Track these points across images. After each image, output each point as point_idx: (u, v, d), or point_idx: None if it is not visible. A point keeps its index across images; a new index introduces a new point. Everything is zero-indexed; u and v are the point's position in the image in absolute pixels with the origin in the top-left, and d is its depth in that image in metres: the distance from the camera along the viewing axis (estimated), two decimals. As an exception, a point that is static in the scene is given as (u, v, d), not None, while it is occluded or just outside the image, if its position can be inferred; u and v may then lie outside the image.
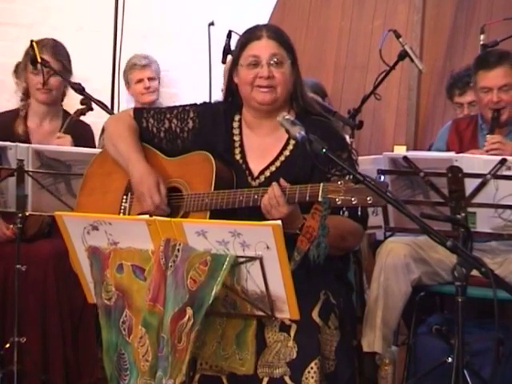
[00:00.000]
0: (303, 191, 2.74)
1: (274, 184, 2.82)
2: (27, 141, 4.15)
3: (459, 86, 4.86)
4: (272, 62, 3.03)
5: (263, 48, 3.05)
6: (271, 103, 3.05)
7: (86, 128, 4.48)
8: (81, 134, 4.33)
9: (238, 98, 3.17)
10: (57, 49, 4.32)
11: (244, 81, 3.09)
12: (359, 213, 2.70)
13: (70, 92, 4.39)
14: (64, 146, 4.06)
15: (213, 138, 3.17)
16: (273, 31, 3.09)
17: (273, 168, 3.10)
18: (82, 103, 4.27)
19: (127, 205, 3.17)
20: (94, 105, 4.30)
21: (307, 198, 2.71)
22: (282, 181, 2.83)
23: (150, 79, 5.62)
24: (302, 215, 2.76)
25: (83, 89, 4.23)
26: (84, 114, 4.33)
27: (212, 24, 3.63)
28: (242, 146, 3.17)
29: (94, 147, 4.52)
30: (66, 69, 4.31)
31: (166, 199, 3.04)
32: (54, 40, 4.36)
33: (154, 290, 2.54)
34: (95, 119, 5.12)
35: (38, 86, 4.24)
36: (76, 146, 4.11)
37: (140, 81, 5.61)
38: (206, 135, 3.18)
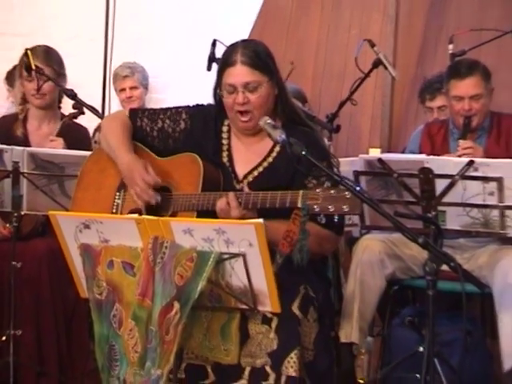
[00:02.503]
0: (284, 197, 2.75)
1: (231, 193, 2.85)
2: (26, 143, 4.15)
3: (430, 92, 4.89)
4: (247, 88, 3.02)
5: (237, 76, 3.02)
6: (252, 128, 3.07)
7: (81, 130, 4.47)
8: (76, 136, 4.32)
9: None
10: (49, 55, 4.31)
11: (226, 105, 3.10)
12: (336, 219, 2.71)
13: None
14: (56, 148, 4.06)
15: (203, 140, 3.16)
16: (247, 55, 3.03)
17: (256, 173, 3.10)
18: (73, 107, 4.27)
19: (120, 201, 3.17)
20: (85, 109, 4.31)
21: (287, 204, 2.73)
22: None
23: (131, 88, 5.63)
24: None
25: (75, 94, 4.23)
26: (76, 118, 4.33)
27: (214, 44, 3.62)
28: (229, 149, 3.17)
29: (90, 148, 4.50)
30: (58, 74, 4.30)
31: (157, 179, 3.03)
32: (47, 46, 4.35)
33: (143, 285, 2.54)
34: (87, 123, 5.12)
35: (32, 91, 4.24)
36: (71, 147, 4.10)
37: (123, 90, 5.63)
38: (196, 137, 3.18)
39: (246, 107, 3.03)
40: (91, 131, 5.25)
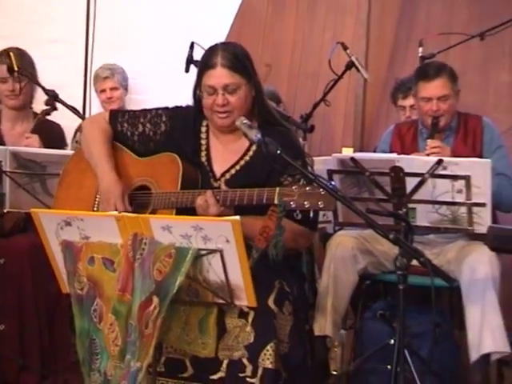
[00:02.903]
0: (261, 194, 2.75)
1: (208, 191, 2.86)
2: (1, 143, 4.13)
3: (403, 91, 4.92)
4: (226, 90, 3.02)
5: (217, 78, 3.02)
6: (230, 126, 3.05)
7: (55, 127, 4.48)
8: (50, 132, 4.33)
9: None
10: (24, 57, 4.30)
11: (204, 106, 3.09)
12: (311, 215, 2.72)
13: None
14: (32, 144, 4.07)
15: (182, 140, 3.16)
16: (227, 58, 3.03)
17: (233, 171, 3.10)
18: (46, 104, 4.27)
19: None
20: (66, 110, 4.30)
21: (264, 201, 2.73)
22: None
23: (111, 89, 5.59)
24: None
25: (57, 95, 4.22)
26: (49, 114, 4.32)
27: (192, 47, 3.61)
28: (207, 149, 3.17)
29: (64, 144, 4.58)
30: (32, 75, 4.30)
31: (129, 208, 3.03)
32: (19, 49, 4.33)
33: (122, 280, 2.54)
34: (68, 123, 5.12)
35: (7, 92, 4.23)
36: (46, 143, 4.13)
37: (103, 91, 5.61)
38: (176, 137, 3.17)
39: (225, 108, 3.03)
40: (72, 131, 5.26)
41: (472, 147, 4.10)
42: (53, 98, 4.23)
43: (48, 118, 4.38)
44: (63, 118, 4.65)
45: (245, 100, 3.06)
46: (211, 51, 3.09)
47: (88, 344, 2.65)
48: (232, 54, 3.05)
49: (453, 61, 4.68)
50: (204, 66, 3.08)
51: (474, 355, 3.68)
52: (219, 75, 3.02)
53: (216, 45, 3.15)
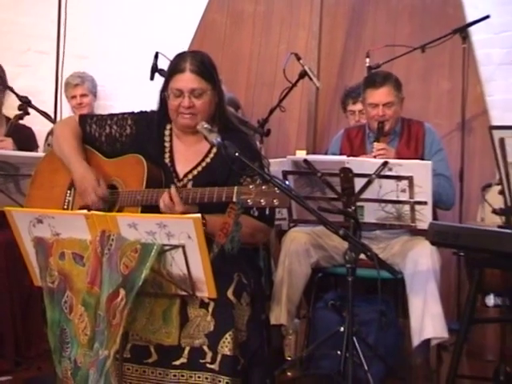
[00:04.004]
0: (220, 193, 2.75)
1: (172, 187, 2.86)
2: None
3: (353, 96, 4.96)
4: (193, 94, 3.01)
5: (185, 82, 3.01)
6: (192, 127, 3.03)
7: (27, 131, 4.48)
8: (23, 136, 4.32)
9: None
10: None
11: (170, 107, 3.07)
12: (267, 212, 2.72)
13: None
14: (6, 147, 4.04)
15: (147, 143, 3.13)
16: (195, 64, 3.02)
17: (195, 172, 3.09)
18: (19, 109, 4.24)
19: (71, 198, 3.14)
20: (39, 115, 4.26)
21: (223, 199, 2.72)
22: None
23: (81, 96, 5.57)
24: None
25: (30, 101, 4.19)
26: (22, 119, 4.30)
27: (156, 56, 3.59)
28: (171, 151, 3.15)
29: (36, 146, 4.57)
30: (3, 81, 4.26)
31: (105, 195, 3.01)
32: None
33: (91, 274, 2.51)
34: (41, 127, 5.11)
35: None
36: (19, 146, 4.10)
37: (74, 97, 5.58)
38: (141, 140, 3.14)
39: (190, 110, 3.02)
40: (44, 135, 5.22)
41: (414, 150, 4.13)
42: (26, 104, 4.19)
43: (21, 122, 4.34)
44: (35, 122, 4.61)
45: (209, 104, 3.05)
46: (180, 57, 3.08)
47: (59, 333, 2.62)
48: (200, 62, 3.04)
49: (397, 70, 4.71)
50: (173, 70, 3.06)
51: (416, 341, 3.71)
52: (187, 79, 3.01)
53: (185, 52, 3.15)
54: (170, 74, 3.07)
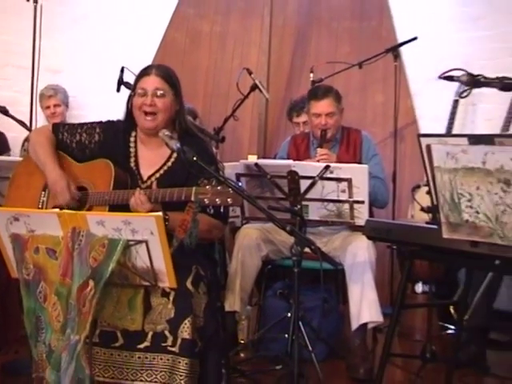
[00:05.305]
0: (180, 193, 2.74)
1: (138, 189, 2.86)
2: None
3: (296, 110, 4.97)
4: (155, 94, 3.02)
5: (150, 82, 3.03)
6: (153, 129, 3.03)
7: (1, 136, 4.39)
8: None
9: (134, 119, 3.13)
10: None
11: (134, 105, 3.07)
12: (222, 211, 2.74)
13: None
14: None
15: (113, 149, 3.10)
16: (161, 70, 3.05)
17: (157, 175, 3.07)
18: None
19: (45, 199, 3.11)
20: (16, 123, 4.23)
21: (183, 198, 2.72)
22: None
23: (55, 106, 5.54)
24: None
25: (7, 111, 4.15)
26: None
27: (122, 71, 3.57)
28: (136, 156, 3.13)
29: (8, 149, 4.63)
30: None
31: (76, 196, 2.99)
32: None
33: (63, 266, 2.48)
34: (17, 134, 5.06)
35: None
36: None
37: (48, 107, 5.53)
38: (108, 147, 3.12)
39: (152, 109, 3.02)
40: (21, 141, 5.17)
41: (353, 155, 4.16)
42: (3, 113, 4.15)
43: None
44: (12, 130, 4.56)
45: (170, 107, 3.05)
46: (148, 67, 3.11)
47: (34, 320, 2.59)
48: (165, 70, 3.08)
49: (337, 84, 4.75)
50: (141, 74, 3.08)
51: (354, 324, 3.75)
52: (152, 80, 3.03)
53: (152, 64, 3.18)
54: (138, 77, 3.09)
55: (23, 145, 5.18)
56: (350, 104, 5.50)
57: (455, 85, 4.31)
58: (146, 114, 3.04)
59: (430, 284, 4.41)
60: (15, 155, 5.06)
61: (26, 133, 4.71)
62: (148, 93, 3.02)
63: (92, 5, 6.15)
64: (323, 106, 4.12)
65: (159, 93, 3.02)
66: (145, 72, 3.07)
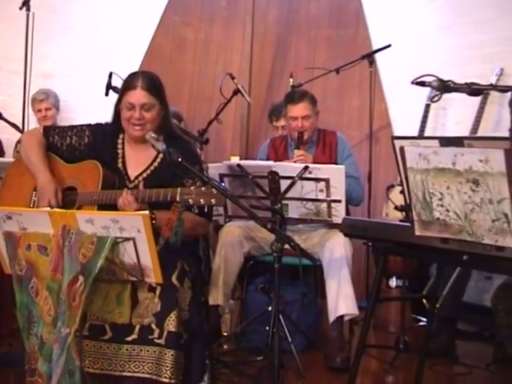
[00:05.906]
0: (166, 193, 2.73)
1: (125, 190, 2.85)
2: None
3: (275, 114, 4.98)
4: (143, 108, 3.00)
5: (137, 97, 2.99)
6: (142, 136, 3.02)
7: None
8: None
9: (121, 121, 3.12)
10: None
11: (123, 118, 3.06)
12: (206, 210, 2.75)
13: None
14: None
15: (102, 151, 3.09)
16: (146, 82, 3.01)
17: (144, 175, 3.06)
18: None
19: (36, 198, 3.08)
20: (9, 126, 4.21)
21: (169, 198, 2.71)
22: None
23: (46, 109, 5.52)
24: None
25: (0, 114, 4.13)
26: None
27: (110, 76, 3.56)
28: (123, 157, 3.12)
29: (3, 153, 4.68)
30: None
31: (60, 202, 2.98)
32: None
33: (54, 263, 2.47)
34: (10, 136, 5.03)
35: None
36: None
37: (39, 110, 5.51)
38: (97, 148, 3.10)
39: (140, 122, 3.01)
40: (14, 143, 5.14)
41: (329, 156, 4.18)
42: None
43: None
44: (5, 132, 4.53)
45: (157, 117, 3.04)
46: (133, 76, 3.06)
47: (27, 314, 2.57)
48: (150, 80, 3.04)
49: (315, 89, 4.77)
50: (126, 86, 3.04)
51: (331, 317, 3.76)
52: (138, 95, 3.00)
53: (137, 72, 3.14)
54: (124, 90, 3.05)
55: (16, 146, 5.14)
56: (328, 108, 5.52)
57: (427, 90, 4.33)
58: (134, 125, 3.03)
59: (403, 279, 4.44)
60: (9, 156, 5.03)
61: (18, 135, 4.69)
62: (136, 107, 3.00)
63: (82, 13, 6.13)
64: (299, 109, 4.13)
65: (146, 107, 3.01)
66: (131, 84, 3.02)
